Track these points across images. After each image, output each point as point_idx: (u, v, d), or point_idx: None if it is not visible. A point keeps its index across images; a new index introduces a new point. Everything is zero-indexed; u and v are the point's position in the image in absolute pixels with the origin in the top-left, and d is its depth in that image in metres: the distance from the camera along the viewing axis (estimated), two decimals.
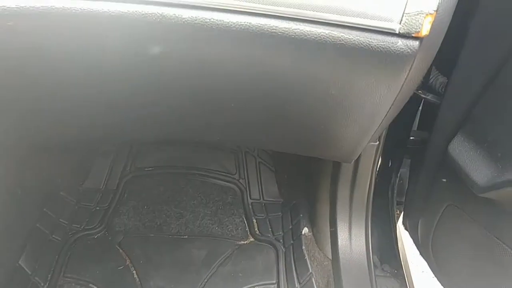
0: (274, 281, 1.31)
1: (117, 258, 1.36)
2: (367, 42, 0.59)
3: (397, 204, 1.30)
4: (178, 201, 1.56)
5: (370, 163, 1.13)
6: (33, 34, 0.63)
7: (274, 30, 0.59)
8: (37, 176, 1.38)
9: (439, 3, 0.57)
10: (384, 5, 0.58)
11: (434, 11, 0.57)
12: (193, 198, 1.58)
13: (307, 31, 0.59)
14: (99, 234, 1.43)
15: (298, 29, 0.59)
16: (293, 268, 1.32)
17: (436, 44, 0.68)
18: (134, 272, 1.33)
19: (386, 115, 0.77)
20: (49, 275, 1.29)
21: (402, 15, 0.57)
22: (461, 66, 0.90)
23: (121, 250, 1.38)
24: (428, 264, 1.14)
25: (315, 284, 1.22)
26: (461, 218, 0.96)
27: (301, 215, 1.43)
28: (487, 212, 0.90)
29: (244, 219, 1.52)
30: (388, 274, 1.21)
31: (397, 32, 0.58)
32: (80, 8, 0.59)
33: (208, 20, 0.59)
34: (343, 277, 1.15)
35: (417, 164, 1.16)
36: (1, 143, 1.08)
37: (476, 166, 0.87)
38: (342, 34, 0.59)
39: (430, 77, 1.01)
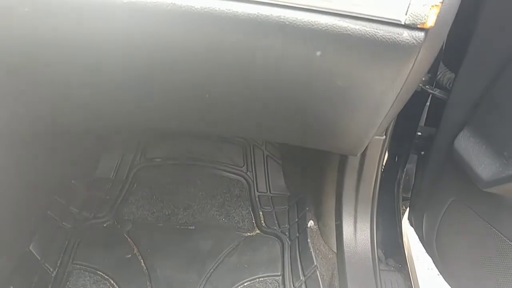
0: (279, 273, 1.33)
1: (125, 246, 1.38)
2: (373, 32, 0.59)
3: (403, 200, 1.31)
4: (186, 192, 1.58)
5: (377, 157, 1.13)
6: (47, 21, 0.64)
7: (282, 20, 0.60)
8: (48, 164, 1.40)
9: None
10: None
11: (440, 2, 0.57)
12: (201, 189, 1.60)
13: (315, 21, 0.60)
14: (108, 223, 1.46)
15: (305, 19, 0.60)
16: (298, 261, 1.33)
17: (442, 36, 0.68)
18: (142, 260, 1.35)
19: (392, 106, 0.78)
20: (58, 262, 1.32)
21: (408, 6, 0.58)
22: (468, 62, 0.90)
23: (129, 239, 1.40)
24: (432, 260, 1.14)
25: (320, 276, 1.23)
26: (465, 213, 0.97)
27: (307, 208, 1.44)
28: (492, 207, 0.90)
29: (251, 211, 1.54)
30: (392, 269, 1.22)
31: (402, 23, 0.59)
32: None
33: (217, 10, 0.61)
34: (347, 270, 1.16)
35: (424, 159, 1.16)
36: (13, 129, 1.10)
37: (481, 161, 0.87)
38: (348, 24, 0.60)
39: (438, 73, 1.01)
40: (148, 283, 1.29)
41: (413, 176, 1.28)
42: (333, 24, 0.60)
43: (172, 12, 0.61)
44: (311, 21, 0.60)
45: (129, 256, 1.36)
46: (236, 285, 1.29)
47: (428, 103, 1.17)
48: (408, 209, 1.26)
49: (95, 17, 0.63)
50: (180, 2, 0.61)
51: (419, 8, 0.57)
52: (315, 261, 1.28)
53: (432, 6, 0.57)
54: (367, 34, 0.60)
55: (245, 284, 1.30)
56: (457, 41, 0.86)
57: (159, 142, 1.73)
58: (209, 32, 0.64)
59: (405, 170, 1.28)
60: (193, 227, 1.46)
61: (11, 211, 1.22)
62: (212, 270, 1.33)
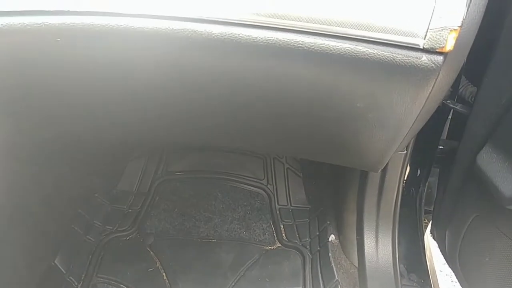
0: (300, 287, 1.32)
1: (147, 260, 1.40)
2: (392, 57, 0.60)
3: (425, 213, 1.29)
4: (207, 205, 1.59)
5: (398, 172, 1.13)
6: (75, 49, 0.67)
7: (300, 45, 0.61)
8: (72, 178, 1.43)
9: (463, 18, 0.57)
10: (408, 20, 0.59)
11: (459, 26, 0.57)
12: (221, 202, 1.61)
13: (333, 45, 0.61)
14: (131, 236, 1.48)
15: (324, 44, 0.61)
16: (319, 275, 1.32)
17: (461, 58, 0.68)
18: (164, 274, 1.37)
19: (412, 126, 0.78)
20: (83, 275, 1.34)
21: (427, 31, 0.58)
22: (491, 76, 0.89)
23: (151, 252, 1.42)
24: (455, 275, 1.13)
25: None
26: (488, 230, 0.95)
27: (328, 222, 1.44)
28: None
29: (272, 225, 1.54)
30: (415, 284, 1.20)
31: (421, 47, 0.59)
32: (117, 25, 0.62)
33: (237, 36, 0.62)
34: (369, 286, 1.15)
35: (446, 173, 1.15)
36: (38, 144, 1.13)
37: (504, 178, 0.86)
38: (367, 49, 0.60)
39: (460, 87, 1.00)
40: None
41: (435, 190, 1.27)
42: (351, 49, 0.60)
43: (193, 38, 0.63)
44: (330, 46, 0.61)
45: (152, 269, 1.38)
46: None
47: (450, 116, 1.16)
48: (430, 222, 1.25)
49: (121, 45, 0.65)
50: (200, 28, 0.62)
51: (438, 33, 0.57)
52: (336, 276, 1.27)
53: (451, 30, 0.57)
54: (385, 58, 0.60)
55: None
56: (479, 54, 0.85)
57: (181, 155, 1.75)
58: (230, 57, 0.66)
59: (427, 183, 1.27)
60: (214, 240, 1.47)
61: (36, 226, 1.25)
62: (233, 284, 1.34)
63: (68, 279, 1.30)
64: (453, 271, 1.12)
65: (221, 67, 0.68)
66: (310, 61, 0.63)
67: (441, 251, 1.17)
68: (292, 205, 1.61)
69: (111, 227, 1.49)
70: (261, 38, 0.62)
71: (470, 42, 0.65)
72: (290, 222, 1.54)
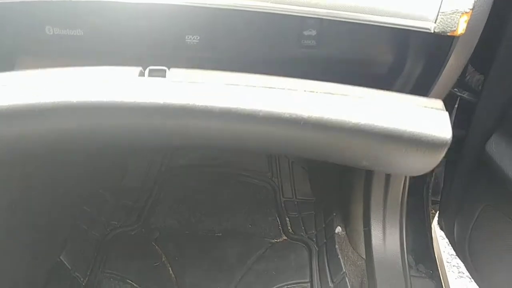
0: (307, 280, 1.32)
1: (153, 254, 1.39)
2: None
3: (432, 204, 1.28)
4: (212, 200, 1.58)
5: None
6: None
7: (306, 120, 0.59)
8: (77, 175, 1.43)
9: (475, 1, 0.56)
10: (419, 4, 0.57)
11: (470, 9, 0.56)
12: (226, 196, 1.60)
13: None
14: (136, 231, 1.47)
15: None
16: (327, 267, 1.32)
17: (472, 42, 0.67)
18: (170, 268, 1.36)
19: None
20: (89, 271, 1.34)
21: (437, 14, 0.57)
22: (499, 64, 0.88)
23: (157, 247, 1.42)
24: (464, 265, 1.12)
25: (349, 283, 1.21)
26: (499, 219, 0.94)
27: (334, 214, 1.43)
28: None
29: (277, 218, 1.53)
30: (423, 275, 1.19)
31: (432, 31, 0.58)
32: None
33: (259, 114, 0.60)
34: (377, 277, 1.14)
35: (453, 163, 1.14)
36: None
37: None
38: None
39: (466, 75, 0.99)
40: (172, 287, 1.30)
41: (442, 180, 1.25)
42: None
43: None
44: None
45: (157, 264, 1.37)
46: None
47: (456, 105, 1.15)
48: (438, 213, 1.24)
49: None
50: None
51: (449, 16, 0.56)
52: (343, 268, 1.26)
53: (462, 13, 0.56)
54: None
55: None
56: (486, 42, 0.84)
57: (185, 150, 1.74)
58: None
59: (433, 173, 1.26)
60: (220, 234, 1.46)
61: (42, 223, 1.24)
62: (240, 278, 1.33)
63: (74, 275, 1.30)
64: (463, 262, 1.11)
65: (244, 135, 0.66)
66: (317, 132, 0.60)
67: (449, 241, 1.16)
68: (298, 197, 1.60)
69: (116, 223, 1.48)
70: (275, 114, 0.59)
71: (481, 26, 0.63)
72: (295, 214, 1.53)
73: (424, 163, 0.61)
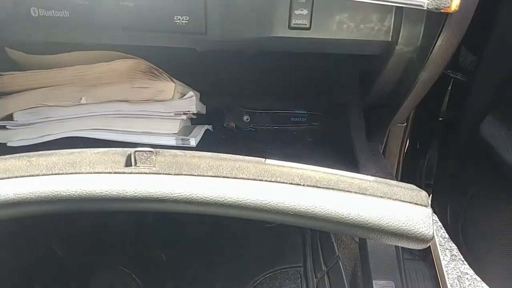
0: (301, 264, 1.31)
1: (147, 241, 1.38)
2: None
3: (425, 187, 1.28)
4: None
5: (398, 144, 1.11)
6: None
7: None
8: None
9: None
10: None
11: None
12: None
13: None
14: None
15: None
16: (320, 251, 1.31)
17: (466, 20, 0.66)
18: (163, 255, 1.35)
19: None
20: (80, 258, 1.33)
21: None
22: (493, 44, 0.87)
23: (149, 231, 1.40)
24: (458, 248, 1.12)
25: (342, 267, 1.21)
26: (492, 201, 0.94)
27: None
28: None
29: None
30: (416, 257, 1.19)
31: (425, 7, 0.56)
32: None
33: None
34: (370, 260, 1.13)
35: (446, 145, 1.13)
36: None
37: (508, 147, 0.85)
38: None
39: (460, 56, 0.98)
40: (167, 277, 1.29)
41: (435, 163, 1.25)
42: None
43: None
44: None
45: (150, 249, 1.36)
46: (257, 277, 1.28)
47: (449, 87, 1.14)
48: (431, 196, 1.23)
49: None
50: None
51: None
52: (337, 251, 1.26)
53: None
54: None
55: (266, 276, 1.29)
56: (479, 22, 0.83)
57: None
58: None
59: (427, 156, 1.25)
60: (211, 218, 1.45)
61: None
62: (234, 263, 1.32)
63: (65, 262, 1.29)
64: (456, 244, 1.11)
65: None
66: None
67: (442, 224, 1.16)
68: None
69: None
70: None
71: (474, 4, 0.62)
72: None
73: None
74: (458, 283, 1.56)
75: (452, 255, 1.64)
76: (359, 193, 0.61)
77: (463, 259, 1.63)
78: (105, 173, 0.62)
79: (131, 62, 0.89)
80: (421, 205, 0.61)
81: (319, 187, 0.61)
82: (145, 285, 1.27)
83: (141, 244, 1.37)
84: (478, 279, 1.58)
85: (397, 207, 0.60)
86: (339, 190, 0.61)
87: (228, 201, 0.61)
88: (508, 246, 0.92)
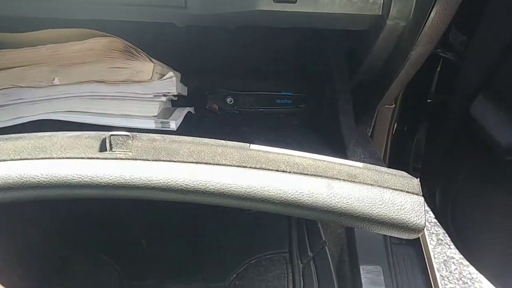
0: (286, 250, 1.28)
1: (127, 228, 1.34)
2: None
3: (413, 170, 1.25)
4: None
5: (386, 126, 1.08)
6: None
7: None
8: None
9: None
10: None
11: None
12: None
13: None
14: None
15: None
16: (306, 237, 1.29)
17: None
18: (143, 241, 1.31)
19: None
20: (58, 247, 1.28)
21: None
22: (485, 24, 0.84)
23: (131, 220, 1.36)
24: (446, 231, 1.10)
25: (329, 252, 1.19)
26: (483, 183, 0.92)
27: None
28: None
29: None
30: (403, 242, 1.18)
31: None
32: None
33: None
34: (357, 246, 1.12)
35: (435, 127, 1.11)
36: None
37: (499, 128, 0.82)
38: None
39: (450, 35, 0.95)
40: (150, 265, 1.25)
41: (423, 145, 1.23)
42: None
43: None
44: None
45: (133, 238, 1.32)
46: (242, 263, 1.25)
47: (438, 68, 1.11)
48: (418, 180, 1.21)
49: None
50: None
51: None
52: (323, 237, 1.23)
53: None
54: None
55: (251, 262, 1.26)
56: (471, 2, 0.80)
57: None
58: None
59: (415, 139, 1.23)
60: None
61: None
62: (217, 249, 1.29)
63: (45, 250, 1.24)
64: (444, 229, 1.10)
65: None
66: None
67: (430, 208, 1.14)
68: None
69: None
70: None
71: None
72: None
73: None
74: (444, 267, 1.56)
75: (438, 239, 1.63)
76: (348, 180, 0.58)
77: (449, 243, 1.64)
78: (77, 158, 0.58)
79: (107, 41, 0.84)
80: (413, 193, 0.58)
81: (307, 174, 0.57)
82: (126, 274, 1.23)
83: (122, 231, 1.33)
84: (465, 263, 1.59)
85: (388, 195, 0.57)
86: (327, 177, 0.57)
87: (210, 189, 0.57)
88: (498, 229, 0.91)
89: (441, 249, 1.61)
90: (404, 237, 0.59)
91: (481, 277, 1.55)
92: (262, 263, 1.26)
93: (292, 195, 0.57)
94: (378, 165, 0.64)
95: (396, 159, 1.21)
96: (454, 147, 1.01)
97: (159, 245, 1.29)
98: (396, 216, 0.56)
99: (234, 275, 1.23)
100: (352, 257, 1.11)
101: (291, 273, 1.22)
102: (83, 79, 0.84)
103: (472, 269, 1.56)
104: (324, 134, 0.92)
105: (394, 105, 1.05)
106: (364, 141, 0.84)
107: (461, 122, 0.95)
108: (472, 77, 0.91)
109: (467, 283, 1.55)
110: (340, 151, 0.81)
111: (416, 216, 0.57)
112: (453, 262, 1.58)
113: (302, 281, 1.20)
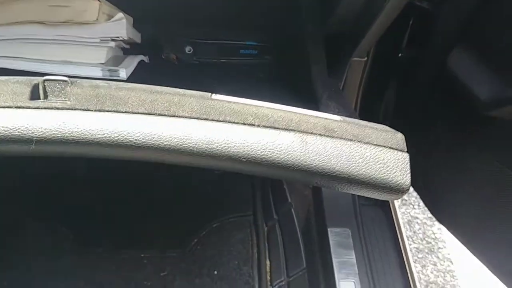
0: (251, 213, 1.22)
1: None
2: None
3: None
4: None
5: (357, 81, 1.01)
6: None
7: None
8: None
9: None
10: None
11: None
12: None
13: None
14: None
15: None
16: (271, 199, 1.23)
17: None
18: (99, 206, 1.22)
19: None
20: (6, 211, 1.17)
21: None
22: None
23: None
24: (418, 194, 1.07)
25: (295, 215, 1.14)
26: (458, 140, 0.88)
27: None
28: (488, 133, 0.81)
29: None
30: (371, 203, 1.13)
31: None
32: None
33: None
34: (325, 207, 1.06)
35: (406, 83, 1.06)
36: None
37: (478, 81, 0.78)
38: None
39: None
40: (103, 230, 1.17)
41: (393, 103, 1.17)
42: None
43: None
44: None
45: (84, 201, 1.22)
46: (203, 227, 1.18)
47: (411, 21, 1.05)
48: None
49: None
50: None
51: None
52: (289, 199, 1.18)
53: None
54: None
55: (213, 226, 1.19)
56: None
57: None
58: None
59: (384, 96, 1.17)
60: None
61: None
62: (176, 213, 1.21)
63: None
64: (416, 191, 1.06)
65: None
66: None
67: None
68: None
69: None
70: None
71: None
72: None
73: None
74: (408, 227, 1.56)
75: (402, 200, 1.62)
76: (324, 135, 0.50)
77: (413, 204, 1.63)
78: (2, 107, 0.48)
79: None
80: (397, 149, 0.52)
81: (278, 128, 0.50)
82: (78, 240, 1.14)
83: (74, 195, 1.22)
84: (428, 223, 1.58)
85: (369, 152, 0.50)
86: (301, 131, 0.50)
87: (164, 144, 0.49)
88: (472, 188, 0.87)
89: (405, 209, 1.60)
90: (386, 199, 0.53)
91: (444, 236, 1.55)
92: (225, 227, 1.19)
93: (261, 152, 0.49)
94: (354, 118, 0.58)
95: (366, 115, 1.15)
96: (428, 104, 0.97)
97: (113, 210, 1.20)
98: (379, 175, 0.50)
99: (196, 240, 1.16)
100: (319, 220, 1.06)
101: (256, 236, 1.17)
102: (17, 19, 0.72)
103: (435, 229, 1.56)
104: (294, 86, 0.84)
105: (366, 58, 0.98)
106: (337, 94, 0.77)
107: (435, 77, 0.90)
108: (448, 27, 0.87)
109: (430, 242, 1.54)
110: (312, 105, 0.73)
111: (401, 175, 0.51)
112: (417, 222, 1.57)
113: (267, 244, 1.15)
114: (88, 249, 1.13)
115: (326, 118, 0.53)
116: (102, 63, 0.74)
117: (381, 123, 1.12)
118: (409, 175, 0.51)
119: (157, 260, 1.12)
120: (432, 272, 1.53)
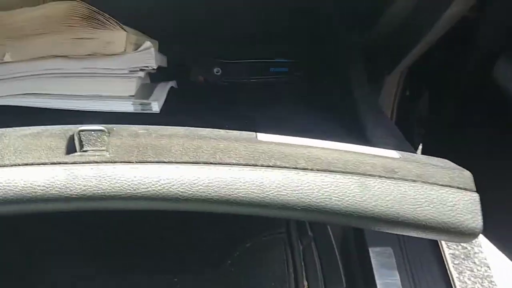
0: (284, 230, 1.16)
1: None
2: None
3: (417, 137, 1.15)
4: None
5: (393, 93, 0.97)
6: None
7: None
8: None
9: None
10: None
11: None
12: None
13: None
14: None
15: None
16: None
17: None
18: None
19: None
20: None
21: None
22: None
23: None
24: None
25: (331, 232, 1.09)
26: (501, 160, 0.82)
27: None
28: None
29: None
30: None
31: None
32: None
33: None
34: None
35: (440, 91, 1.01)
36: None
37: None
38: None
39: None
40: (138, 256, 1.14)
41: (428, 111, 1.12)
42: None
43: None
44: None
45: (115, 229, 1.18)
46: (237, 247, 1.14)
47: None
48: (421, 146, 1.11)
49: None
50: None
51: None
52: None
53: None
54: None
55: (246, 245, 1.15)
56: None
57: None
58: None
59: (419, 104, 1.12)
60: None
61: None
62: (210, 232, 1.17)
63: None
64: None
65: None
66: None
67: None
68: None
69: None
70: None
71: None
72: None
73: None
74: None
75: None
76: (385, 177, 0.46)
77: None
78: (38, 164, 0.45)
79: (67, 5, 0.68)
80: (465, 189, 0.47)
81: (333, 171, 0.46)
82: (111, 268, 1.11)
83: (103, 224, 1.18)
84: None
85: (436, 194, 0.46)
86: (359, 174, 0.46)
87: (213, 196, 0.45)
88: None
89: None
90: (457, 242, 0.49)
91: (480, 241, 1.50)
92: (258, 246, 1.15)
93: (316, 199, 0.45)
94: (409, 151, 0.53)
95: (402, 126, 1.10)
96: (469, 113, 0.91)
97: (144, 234, 1.16)
98: (448, 220, 0.46)
99: (229, 261, 1.12)
100: (358, 238, 1.02)
101: (291, 255, 1.12)
102: (40, 54, 0.69)
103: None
104: (333, 109, 0.79)
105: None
106: (382, 117, 0.72)
107: (478, 85, 0.85)
108: (492, 34, 0.81)
109: (466, 248, 1.50)
110: (358, 133, 0.68)
111: (472, 218, 0.46)
112: None
113: (303, 263, 1.10)
114: (122, 276, 1.11)
115: (384, 157, 0.48)
116: (132, 96, 0.71)
117: (415, 133, 1.08)
118: (481, 217, 0.47)
119: (191, 284, 1.09)
120: (469, 279, 1.48)
